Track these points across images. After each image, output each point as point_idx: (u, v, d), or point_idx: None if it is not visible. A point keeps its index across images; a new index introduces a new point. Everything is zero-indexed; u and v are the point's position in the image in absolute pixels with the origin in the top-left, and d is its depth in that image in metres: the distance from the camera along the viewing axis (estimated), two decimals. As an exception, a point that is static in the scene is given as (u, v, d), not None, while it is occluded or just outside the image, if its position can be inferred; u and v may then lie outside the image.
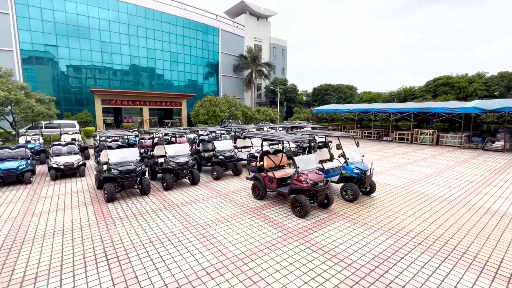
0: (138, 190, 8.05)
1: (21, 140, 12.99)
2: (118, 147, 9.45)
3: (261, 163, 7.52)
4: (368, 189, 7.80)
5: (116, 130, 24.17)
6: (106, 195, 7.14)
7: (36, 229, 5.64)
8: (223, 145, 10.28)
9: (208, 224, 5.89)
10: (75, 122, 22.36)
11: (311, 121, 35.41)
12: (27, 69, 25.84)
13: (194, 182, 8.96)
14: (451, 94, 30.87)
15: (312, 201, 6.49)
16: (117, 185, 7.40)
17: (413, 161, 13.68)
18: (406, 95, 36.69)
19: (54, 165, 9.56)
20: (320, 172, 6.75)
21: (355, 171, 7.32)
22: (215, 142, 10.19)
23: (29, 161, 9.57)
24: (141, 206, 7.03)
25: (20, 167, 8.95)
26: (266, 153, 7.76)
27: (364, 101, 39.06)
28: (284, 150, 8.41)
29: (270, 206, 7.04)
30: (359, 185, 7.54)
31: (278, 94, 37.55)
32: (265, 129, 20.42)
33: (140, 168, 7.72)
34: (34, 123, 16.13)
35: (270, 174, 7.08)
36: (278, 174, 7.13)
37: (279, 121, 30.64)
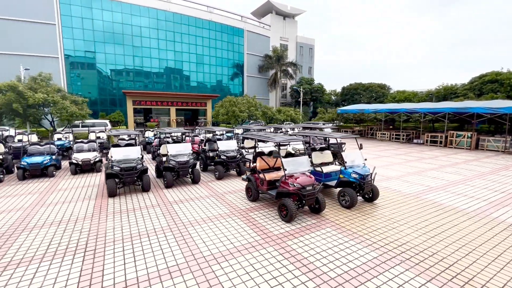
0: (140, 187, 8.40)
1: (55, 138, 14.43)
2: (127, 145, 10.01)
3: (254, 164, 7.39)
4: (370, 196, 7.24)
5: (121, 129, 25.61)
6: (107, 190, 7.59)
7: (39, 219, 6.19)
8: (227, 145, 10.32)
9: (191, 223, 5.94)
10: (107, 121, 24.28)
11: (336, 121, 34.08)
12: (70, 73, 28.69)
13: (195, 181, 9.13)
14: (501, 92, 27.39)
15: (300, 206, 6.20)
16: (118, 181, 7.82)
17: (440, 167, 12.39)
18: (446, 93, 33.47)
19: (74, 161, 10.45)
20: (311, 176, 6.43)
21: (353, 175, 6.84)
22: (218, 142, 10.27)
23: (53, 157, 10.58)
24: (137, 202, 7.35)
25: (44, 162, 9.93)
26: (260, 154, 7.61)
27: (397, 101, 36.53)
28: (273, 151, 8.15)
29: (261, 208, 6.88)
30: (358, 190, 7.04)
31: (301, 94, 36.74)
32: (283, 129, 20.18)
33: (141, 165, 8.08)
34: (68, 122, 17.82)
35: (261, 175, 6.92)
36: (270, 176, 6.93)
37: (301, 121, 29.97)
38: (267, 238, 5.21)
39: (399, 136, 23.64)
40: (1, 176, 9.41)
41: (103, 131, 16.44)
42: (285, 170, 6.16)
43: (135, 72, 32.24)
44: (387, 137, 25.10)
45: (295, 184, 5.95)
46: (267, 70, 41.80)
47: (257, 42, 41.57)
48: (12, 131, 16.47)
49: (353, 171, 6.85)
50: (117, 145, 9.90)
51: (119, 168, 7.69)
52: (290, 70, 42.32)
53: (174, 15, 33.36)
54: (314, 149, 8.51)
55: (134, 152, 8.43)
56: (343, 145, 12.93)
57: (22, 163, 9.65)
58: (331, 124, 34.36)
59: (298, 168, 6.45)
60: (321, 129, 18.41)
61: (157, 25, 32.39)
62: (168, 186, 8.61)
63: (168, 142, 10.26)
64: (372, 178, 6.96)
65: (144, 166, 8.20)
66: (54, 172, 10.31)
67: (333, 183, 7.41)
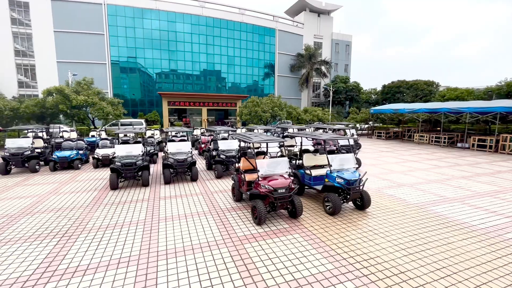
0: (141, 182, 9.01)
1: (90, 135, 16.28)
2: (135, 142, 10.81)
3: (239, 164, 7.36)
4: (360, 202, 6.66)
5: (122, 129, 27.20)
6: (109, 183, 8.32)
7: (44, 205, 7.07)
8: (228, 145, 10.43)
9: (166, 218, 6.18)
10: (142, 120, 26.45)
11: (371, 122, 31.79)
12: (115, 77, 31.99)
13: (192, 178, 9.44)
14: None
15: (272, 209, 5.99)
16: (120, 176, 8.50)
17: (474, 175, 10.76)
18: (510, 90, 28.76)
19: (95, 156, 11.67)
20: (289, 178, 6.16)
21: (338, 180, 6.36)
22: (219, 142, 10.45)
23: (81, 152, 11.96)
24: (132, 195, 7.89)
25: (71, 156, 11.29)
26: (245, 154, 7.54)
27: (446, 100, 32.59)
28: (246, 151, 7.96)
29: (240, 209, 6.83)
30: (345, 196, 6.52)
31: (331, 93, 35.11)
32: (307, 130, 19.62)
33: (140, 162, 8.67)
34: (106, 121, 19.92)
35: (242, 176, 6.86)
36: (251, 176, 6.82)
37: (328, 121, 28.67)
38: (228, 239, 5.16)
39: (439, 139, 21.05)
40: (37, 167, 10.96)
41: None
42: (258, 171, 6.02)
43: (171, 75, 34.59)
44: (426, 139, 22.56)
45: (266, 186, 5.77)
46: (299, 69, 40.97)
47: (289, 41, 41.03)
48: (65, 129, 19.16)
49: (337, 175, 6.37)
50: (127, 142, 10.77)
51: (120, 164, 8.36)
52: (323, 68, 40.82)
53: (207, 19, 34.82)
54: (306, 151, 8.12)
55: (136, 149, 9.07)
56: (356, 148, 12.05)
57: (53, 156, 11.12)
58: (366, 125, 32.16)
59: (274, 170, 6.24)
60: (334, 130, 17.57)
61: (191, 30, 34.22)
62: (166, 182, 9.07)
63: (174, 141, 10.81)
64: (361, 184, 6.38)
65: (143, 162, 8.77)
66: (80, 165, 11.64)
67: (319, 187, 6.99)
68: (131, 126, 20.12)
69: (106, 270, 4.15)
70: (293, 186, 6.01)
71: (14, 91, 28.44)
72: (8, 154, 10.34)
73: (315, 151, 8.15)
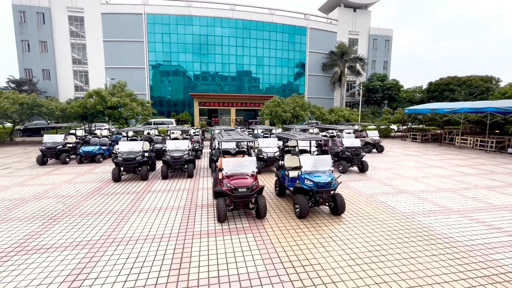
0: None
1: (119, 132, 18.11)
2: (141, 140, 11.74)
3: (217, 163, 7.54)
4: (331, 206, 6.31)
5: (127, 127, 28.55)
6: (112, 176, 9.23)
7: (54, 192, 8.17)
8: (225, 144, 10.67)
9: (141, 210, 6.66)
10: (173, 120, 28.34)
11: (408, 123, 29.06)
12: (152, 80, 34.80)
13: (188, 175, 9.91)
14: None
15: (233, 207, 6.04)
16: (121, 170, 9.37)
17: (502, 186, 9.28)
18: None
19: (113, 151, 12.97)
20: (253, 178, 6.14)
21: (307, 182, 6.12)
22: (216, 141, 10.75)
23: (103, 147, 13.42)
24: (126, 188, 8.64)
25: (93, 151, 12.75)
26: (226, 153, 7.68)
27: (508, 97, 28.15)
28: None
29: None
30: (316, 199, 6.23)
31: (361, 92, 32.94)
32: (330, 131, 19.04)
33: (140, 157, 9.43)
34: (136, 120, 21.89)
35: (216, 175, 7.03)
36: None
37: (360, 121, 27.02)
38: (182, 234, 5.38)
39: (484, 143, 18.31)
40: (68, 159, 12.63)
41: (155, 128, 19.49)
42: (222, 169, 6.12)
43: (203, 76, 36.42)
44: (470, 143, 19.83)
45: (228, 184, 5.86)
46: (331, 67, 39.39)
47: (321, 39, 39.70)
48: (101, 126, 21.69)
49: (306, 177, 6.12)
50: (134, 139, 11.75)
51: (121, 159, 9.22)
52: (358, 66, 38.58)
53: (237, 21, 35.67)
54: (288, 151, 7.91)
55: (138, 146, 9.87)
56: (362, 151, 11.22)
57: (79, 151, 12.70)
58: (404, 126, 29.49)
59: (240, 169, 6.28)
60: (355, 131, 16.90)
61: (221, 33, 35.46)
62: (163, 177, 9.69)
63: (177, 139, 11.46)
64: (331, 187, 6.03)
65: (142, 158, 9.52)
66: (101, 159, 13.07)
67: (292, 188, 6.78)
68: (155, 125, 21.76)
69: (63, 250, 4.70)
70: (256, 186, 5.97)
71: (71, 94, 32.92)
72: (44, 148, 12.14)
73: (301, 152, 7.90)
